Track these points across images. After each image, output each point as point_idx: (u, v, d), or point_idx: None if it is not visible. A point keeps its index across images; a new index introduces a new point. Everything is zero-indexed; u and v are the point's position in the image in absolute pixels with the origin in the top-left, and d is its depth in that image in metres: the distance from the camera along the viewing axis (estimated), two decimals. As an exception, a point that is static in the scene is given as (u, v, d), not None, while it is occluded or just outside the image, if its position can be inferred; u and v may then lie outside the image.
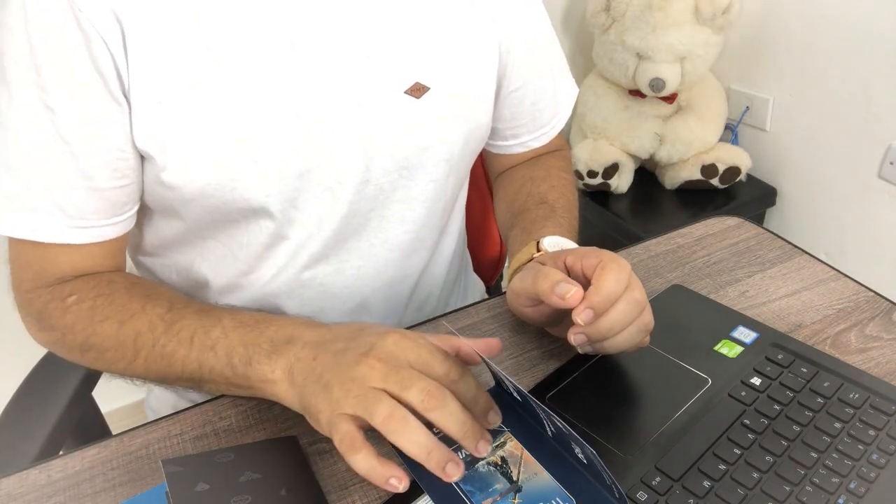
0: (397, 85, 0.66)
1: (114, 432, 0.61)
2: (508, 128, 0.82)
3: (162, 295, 0.62)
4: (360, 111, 0.65)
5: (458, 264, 0.89)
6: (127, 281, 0.65)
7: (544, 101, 0.81)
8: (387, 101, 0.66)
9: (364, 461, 0.46)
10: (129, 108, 0.60)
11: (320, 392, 0.50)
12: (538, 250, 0.65)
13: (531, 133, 0.83)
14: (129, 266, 0.72)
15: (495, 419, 0.52)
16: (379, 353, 0.50)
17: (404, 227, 0.73)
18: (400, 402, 0.47)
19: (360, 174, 0.67)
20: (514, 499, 0.48)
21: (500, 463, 0.50)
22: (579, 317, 0.53)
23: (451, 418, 0.47)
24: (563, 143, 0.89)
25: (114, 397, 0.78)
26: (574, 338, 0.55)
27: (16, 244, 0.64)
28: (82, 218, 0.62)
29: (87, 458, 0.57)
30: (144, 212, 0.71)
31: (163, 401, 0.85)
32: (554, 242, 0.66)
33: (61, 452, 0.61)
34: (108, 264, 0.66)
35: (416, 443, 0.46)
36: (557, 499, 0.48)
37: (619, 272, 0.54)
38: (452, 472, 0.47)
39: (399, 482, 0.46)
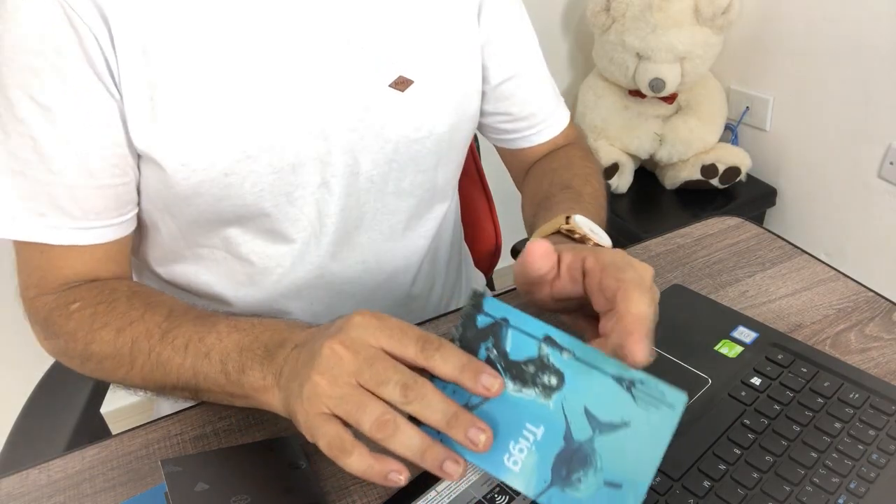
0: (382, 79, 0.67)
1: (114, 432, 0.61)
2: (507, 121, 0.82)
3: (163, 303, 0.60)
4: (348, 106, 0.66)
5: (458, 253, 0.90)
6: (130, 289, 0.63)
7: (535, 95, 0.81)
8: (373, 95, 0.66)
9: (358, 462, 0.42)
10: (123, 105, 0.60)
11: (296, 390, 0.46)
12: (567, 222, 0.60)
13: (533, 127, 0.82)
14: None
15: (492, 382, 0.42)
16: (344, 338, 0.44)
17: (396, 217, 0.74)
18: (376, 396, 0.43)
19: (350, 168, 0.68)
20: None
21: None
22: (639, 357, 0.44)
23: (432, 409, 0.42)
24: (577, 136, 0.87)
25: (114, 397, 0.78)
26: (641, 356, 0.45)
27: (21, 250, 0.64)
28: (86, 219, 0.62)
29: (87, 458, 0.57)
30: (143, 228, 0.71)
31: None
32: (586, 222, 0.60)
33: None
34: (111, 268, 0.66)
35: (409, 447, 0.42)
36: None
37: (641, 293, 0.47)
38: (452, 471, 0.42)
39: (399, 475, 0.42)
